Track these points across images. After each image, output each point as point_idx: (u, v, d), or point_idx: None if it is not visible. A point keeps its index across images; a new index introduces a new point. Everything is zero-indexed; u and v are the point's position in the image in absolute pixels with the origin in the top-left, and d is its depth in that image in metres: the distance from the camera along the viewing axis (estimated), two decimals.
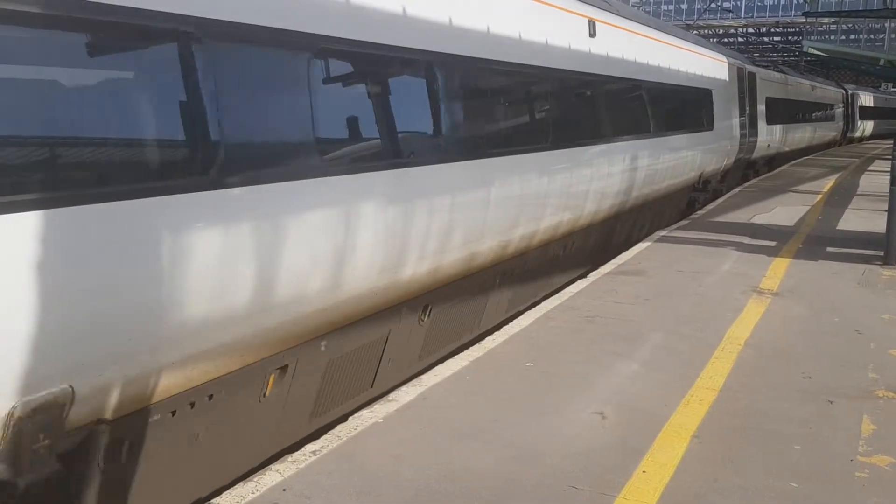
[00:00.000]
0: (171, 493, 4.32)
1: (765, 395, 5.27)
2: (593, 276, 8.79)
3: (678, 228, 12.18)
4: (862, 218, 13.35)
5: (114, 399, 3.60)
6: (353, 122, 5.29)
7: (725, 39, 46.04)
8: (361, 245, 5.00)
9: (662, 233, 11.76)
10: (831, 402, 5.17)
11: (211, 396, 4.24)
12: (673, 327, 6.82)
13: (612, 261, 9.62)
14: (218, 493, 4.20)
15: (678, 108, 13.52)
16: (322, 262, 4.69)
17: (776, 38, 49.11)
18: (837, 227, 12.48)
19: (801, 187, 18.39)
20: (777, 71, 26.23)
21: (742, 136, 18.38)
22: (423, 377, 5.51)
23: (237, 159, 4.08)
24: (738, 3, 40.64)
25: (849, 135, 40.87)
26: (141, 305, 3.59)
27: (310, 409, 5.32)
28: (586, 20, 9.22)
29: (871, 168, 24.84)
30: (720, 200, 15.79)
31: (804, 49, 29.38)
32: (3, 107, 3.12)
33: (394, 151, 5.49)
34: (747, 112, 18.96)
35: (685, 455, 4.35)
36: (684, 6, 40.57)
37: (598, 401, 5.14)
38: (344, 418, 4.91)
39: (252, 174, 4.17)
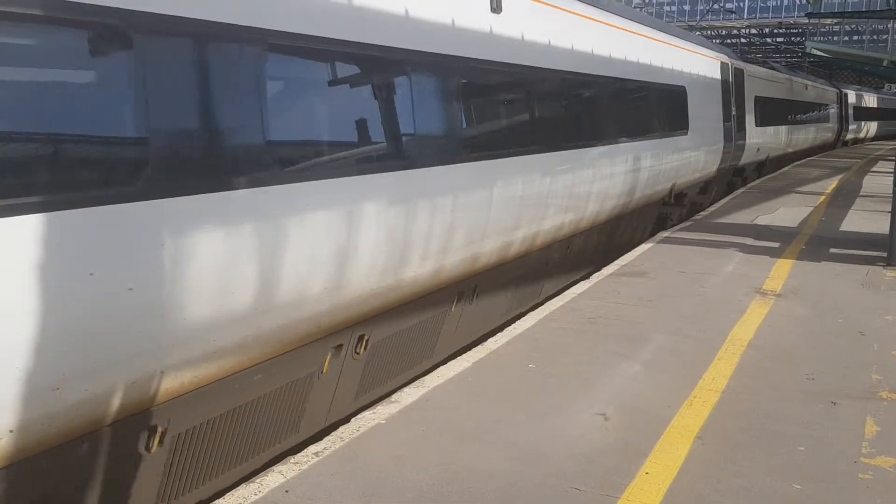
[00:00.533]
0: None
1: (768, 397, 5.26)
2: (596, 277, 8.79)
3: (681, 229, 12.16)
4: (865, 219, 13.33)
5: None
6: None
7: (728, 40, 46.00)
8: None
9: (665, 234, 11.75)
10: (834, 404, 5.16)
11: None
12: (676, 328, 6.81)
13: (615, 262, 9.61)
14: (220, 494, 4.20)
15: (637, 108, 11.16)
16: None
17: (779, 39, 49.09)
18: (841, 228, 12.46)
19: (804, 188, 18.36)
20: (767, 67, 24.08)
21: (727, 140, 16.34)
22: (426, 378, 5.51)
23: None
24: (741, 3, 40.61)
25: (842, 137, 39.56)
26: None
27: None
28: None
29: (874, 169, 24.80)
30: (723, 202, 15.76)
31: (807, 50, 29.29)
32: None
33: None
34: (734, 113, 17.00)
35: (688, 456, 4.34)
36: (687, 7, 40.54)
37: (601, 402, 5.13)
38: (346, 419, 4.91)
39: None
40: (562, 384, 5.44)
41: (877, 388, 5.47)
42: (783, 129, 24.07)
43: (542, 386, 5.41)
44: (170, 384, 3.88)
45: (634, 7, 20.73)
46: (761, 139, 20.33)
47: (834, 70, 49.71)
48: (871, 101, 47.09)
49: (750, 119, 18.85)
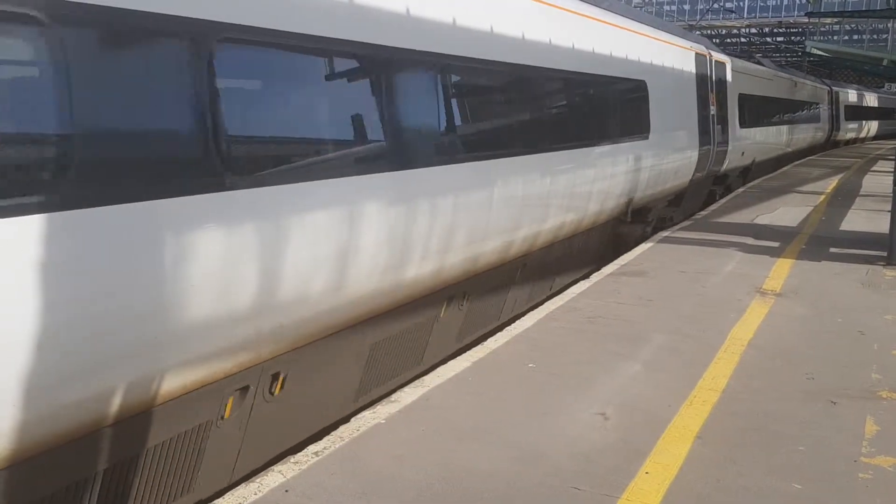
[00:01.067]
0: None
1: (768, 396, 5.26)
2: (595, 276, 8.78)
3: (681, 229, 12.16)
4: (865, 218, 13.33)
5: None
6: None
7: (728, 40, 45.98)
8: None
9: (665, 233, 11.75)
10: (834, 403, 5.16)
11: None
12: (675, 328, 6.81)
13: (615, 262, 9.61)
14: (220, 494, 4.21)
15: (570, 107, 8.83)
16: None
17: (779, 39, 49.05)
18: (840, 228, 12.46)
19: (804, 188, 18.36)
20: (753, 62, 21.93)
21: (705, 144, 14.09)
22: (426, 378, 5.51)
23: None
24: (741, 3, 40.56)
25: (833, 138, 38.11)
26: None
27: None
28: None
29: (873, 169, 24.80)
30: (723, 201, 15.76)
31: (807, 49, 29.22)
32: None
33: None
34: (714, 113, 14.74)
35: (688, 456, 4.34)
36: (687, 6, 40.51)
37: (601, 401, 5.13)
38: (346, 419, 4.91)
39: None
40: (561, 384, 5.44)
41: (876, 387, 5.47)
42: (772, 130, 22.10)
43: (542, 386, 5.40)
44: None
45: (634, 7, 20.25)
46: (746, 142, 18.20)
47: (834, 69, 49.68)
48: (866, 99, 46.13)
49: (733, 120, 16.78)
